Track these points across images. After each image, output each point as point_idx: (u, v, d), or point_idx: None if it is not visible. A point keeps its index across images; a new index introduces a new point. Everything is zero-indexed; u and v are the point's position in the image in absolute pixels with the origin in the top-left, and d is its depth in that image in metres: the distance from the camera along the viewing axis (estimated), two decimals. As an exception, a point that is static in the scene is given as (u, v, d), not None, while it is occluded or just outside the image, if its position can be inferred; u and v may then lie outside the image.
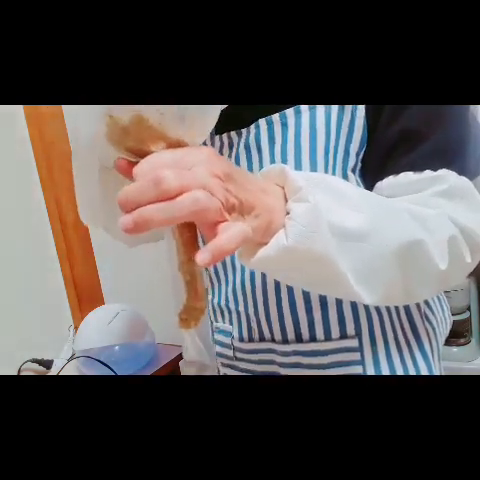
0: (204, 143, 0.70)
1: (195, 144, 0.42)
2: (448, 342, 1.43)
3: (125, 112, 0.38)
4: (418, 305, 0.65)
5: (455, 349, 1.44)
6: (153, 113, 0.38)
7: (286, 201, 0.44)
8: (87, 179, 0.50)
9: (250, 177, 0.44)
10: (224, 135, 0.66)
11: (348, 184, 0.50)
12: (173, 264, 0.41)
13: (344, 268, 0.45)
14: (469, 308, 1.46)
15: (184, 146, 0.40)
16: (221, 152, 0.67)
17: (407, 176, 0.55)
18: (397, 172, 0.56)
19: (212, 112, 0.42)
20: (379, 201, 0.52)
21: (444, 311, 0.70)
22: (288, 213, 0.43)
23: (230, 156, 0.65)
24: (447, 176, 0.54)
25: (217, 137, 0.67)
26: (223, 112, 0.47)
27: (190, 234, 0.41)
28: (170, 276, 0.42)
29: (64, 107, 1.32)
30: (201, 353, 0.43)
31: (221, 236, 0.37)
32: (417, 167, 0.55)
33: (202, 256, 0.36)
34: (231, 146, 0.65)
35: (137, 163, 0.38)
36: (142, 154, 0.39)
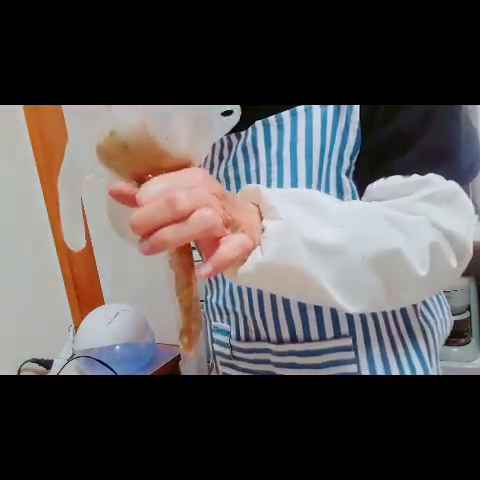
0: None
1: (197, 163, 0.43)
2: (448, 342, 1.43)
3: (129, 128, 0.38)
4: (414, 305, 0.65)
5: (455, 349, 1.44)
6: (160, 135, 0.38)
7: (261, 219, 0.46)
8: (73, 201, 0.49)
9: (235, 197, 0.46)
10: (224, 137, 0.67)
11: (326, 197, 0.51)
12: (171, 291, 0.43)
13: (322, 281, 0.47)
14: (469, 308, 1.46)
15: (185, 166, 0.41)
16: (221, 153, 0.68)
17: (396, 179, 0.56)
18: (388, 175, 0.57)
19: (215, 132, 0.43)
20: (357, 211, 0.52)
21: (444, 311, 0.70)
22: (263, 230, 0.45)
23: (229, 157, 0.66)
24: (435, 180, 0.55)
25: (218, 140, 0.68)
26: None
27: (187, 260, 0.42)
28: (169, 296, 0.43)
29: (64, 107, 1.32)
30: (199, 357, 0.44)
31: (222, 248, 0.39)
32: (407, 171, 0.56)
33: (205, 268, 0.39)
34: (230, 148, 0.66)
35: (127, 186, 0.39)
36: (137, 178, 0.40)
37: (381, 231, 0.51)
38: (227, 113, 0.43)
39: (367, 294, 0.51)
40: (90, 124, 0.41)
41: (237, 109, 0.43)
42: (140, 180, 0.40)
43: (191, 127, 0.41)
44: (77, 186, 0.48)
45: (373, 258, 0.49)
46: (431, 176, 0.55)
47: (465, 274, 0.65)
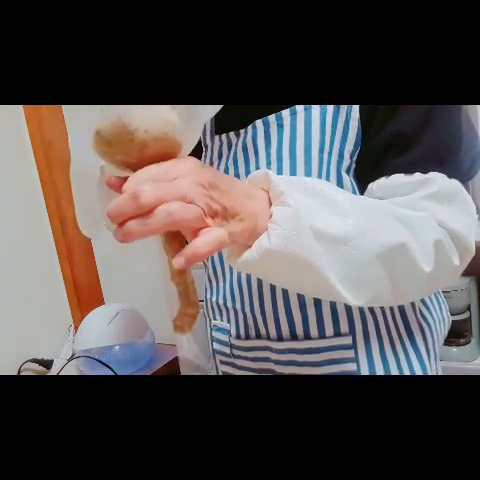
0: (205, 143, 0.71)
1: (185, 149, 0.43)
2: (448, 342, 1.43)
3: (109, 123, 0.39)
4: (413, 303, 0.65)
5: (455, 349, 1.44)
6: (139, 128, 0.39)
7: (271, 205, 0.46)
8: (85, 188, 0.51)
9: (235, 184, 0.45)
10: (223, 135, 0.67)
11: (334, 188, 0.51)
12: (165, 274, 0.43)
13: (327, 270, 0.46)
14: (469, 308, 1.46)
15: (172, 153, 0.42)
16: (221, 151, 0.68)
17: (398, 178, 0.56)
18: (389, 174, 0.57)
19: (196, 125, 0.44)
20: (365, 204, 0.52)
21: (442, 310, 0.70)
22: (271, 216, 0.45)
23: (229, 156, 0.66)
24: (437, 179, 0.55)
25: (217, 137, 0.68)
26: (224, 112, 0.48)
27: (179, 246, 0.42)
28: (163, 284, 0.43)
29: (64, 107, 1.32)
30: (197, 356, 0.44)
31: (196, 240, 0.39)
32: (408, 169, 0.56)
33: (177, 259, 0.39)
34: (230, 146, 0.66)
35: (115, 179, 0.41)
36: (131, 167, 0.41)
37: (389, 226, 0.50)
38: None
39: (371, 287, 0.50)
40: (86, 120, 0.42)
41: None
42: (134, 168, 0.41)
43: (174, 116, 0.41)
44: (88, 177, 0.49)
45: (380, 251, 0.49)
46: (433, 175, 0.55)
47: (465, 274, 0.65)
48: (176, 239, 0.42)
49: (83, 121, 0.44)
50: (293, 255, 0.44)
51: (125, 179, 0.40)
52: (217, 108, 0.45)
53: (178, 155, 0.42)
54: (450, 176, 0.55)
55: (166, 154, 0.41)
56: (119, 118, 0.39)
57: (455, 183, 0.56)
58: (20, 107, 1.26)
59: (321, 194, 0.48)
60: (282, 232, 0.43)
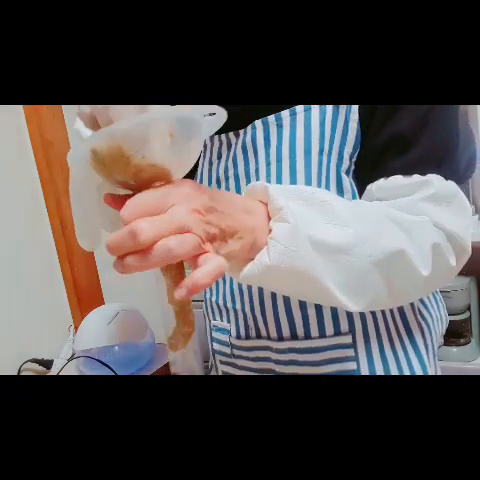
0: (204, 144, 0.71)
1: (180, 176, 0.43)
2: (448, 342, 1.43)
3: (105, 144, 0.39)
4: (412, 303, 0.65)
5: (455, 349, 1.44)
6: (135, 154, 0.39)
7: (269, 218, 0.46)
8: (85, 207, 0.51)
9: (233, 199, 0.45)
10: (223, 135, 0.67)
11: (333, 196, 0.51)
12: (161, 299, 0.43)
13: (327, 281, 0.47)
14: (469, 308, 1.46)
15: (166, 175, 0.41)
16: (220, 152, 0.68)
17: (396, 180, 0.57)
18: (387, 175, 0.57)
19: (195, 144, 0.43)
20: (364, 211, 0.53)
21: (440, 309, 0.71)
22: (270, 231, 0.45)
23: (228, 156, 0.66)
24: (435, 181, 0.55)
25: (216, 137, 0.68)
26: None
27: (177, 270, 0.43)
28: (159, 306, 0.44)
29: (64, 107, 1.32)
30: (191, 370, 0.44)
31: (197, 271, 0.39)
32: (406, 171, 0.56)
33: (179, 291, 0.39)
34: (229, 146, 0.66)
35: (124, 196, 0.41)
36: (126, 186, 0.41)
37: (388, 232, 0.51)
38: (211, 114, 0.43)
39: (370, 293, 0.51)
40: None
41: (220, 110, 0.43)
42: (128, 187, 0.41)
43: (171, 140, 0.41)
44: (87, 192, 0.49)
45: (379, 258, 0.49)
46: (431, 177, 0.55)
47: (465, 274, 0.65)
48: (174, 265, 0.42)
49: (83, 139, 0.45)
50: (293, 270, 0.45)
51: (121, 197, 0.41)
52: (212, 130, 0.45)
53: (174, 177, 0.42)
54: (448, 177, 0.56)
55: (162, 177, 0.41)
56: (115, 141, 0.38)
57: (452, 185, 0.56)
58: (20, 107, 1.26)
59: (319, 203, 0.48)
60: (281, 248, 0.44)
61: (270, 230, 0.45)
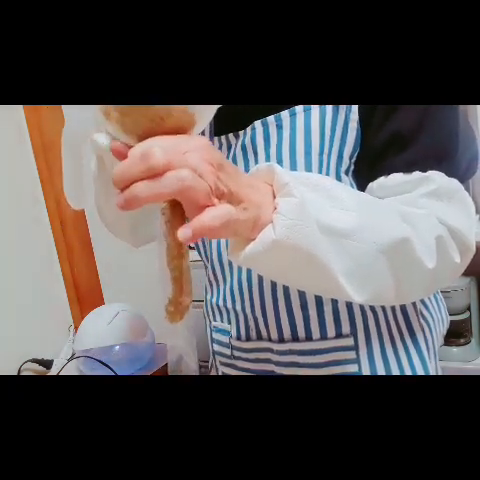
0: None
1: (199, 126, 0.43)
2: (448, 342, 1.43)
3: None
4: (414, 304, 0.65)
5: (455, 349, 1.44)
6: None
7: (274, 198, 0.45)
8: (76, 160, 0.50)
9: (241, 173, 0.45)
10: (222, 137, 0.67)
11: (337, 183, 0.51)
12: (161, 261, 0.42)
13: (331, 263, 0.46)
14: (469, 308, 1.46)
15: (187, 129, 0.41)
16: (220, 153, 0.68)
17: (397, 177, 0.56)
18: (388, 173, 0.57)
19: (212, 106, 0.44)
20: (368, 200, 0.52)
21: (441, 310, 0.71)
22: (276, 208, 0.44)
23: (228, 157, 0.66)
24: (436, 177, 0.55)
25: (216, 139, 0.68)
26: (222, 114, 0.48)
27: (179, 217, 0.42)
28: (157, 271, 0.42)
29: (64, 107, 1.32)
30: (186, 353, 0.43)
31: (204, 213, 0.38)
32: (407, 169, 0.56)
33: (183, 231, 0.38)
34: (229, 147, 0.66)
35: (124, 146, 0.40)
36: (140, 140, 0.40)
37: (393, 221, 0.50)
38: None
39: (374, 283, 0.50)
40: None
41: None
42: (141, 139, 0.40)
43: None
44: (79, 146, 0.48)
45: (384, 245, 0.48)
46: (432, 173, 0.55)
47: (465, 274, 0.64)
48: (179, 219, 0.42)
49: None
50: (298, 246, 0.43)
51: (131, 147, 0.39)
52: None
53: (190, 132, 0.42)
54: (448, 175, 0.56)
55: (182, 129, 0.40)
56: None
57: (454, 182, 0.56)
58: (20, 107, 1.26)
59: (324, 189, 0.47)
60: (287, 222, 0.43)
61: (275, 208, 0.44)
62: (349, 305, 0.62)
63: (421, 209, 0.53)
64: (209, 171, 0.39)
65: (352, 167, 0.61)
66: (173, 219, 0.42)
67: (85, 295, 1.37)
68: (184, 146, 0.39)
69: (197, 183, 0.37)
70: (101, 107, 0.41)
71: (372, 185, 0.58)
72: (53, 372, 1.20)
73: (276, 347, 0.64)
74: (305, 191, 0.45)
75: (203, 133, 0.71)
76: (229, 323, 0.69)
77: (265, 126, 0.62)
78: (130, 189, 0.37)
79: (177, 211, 0.42)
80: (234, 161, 0.65)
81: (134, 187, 0.37)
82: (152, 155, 0.36)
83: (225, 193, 0.40)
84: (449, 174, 0.56)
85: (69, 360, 1.18)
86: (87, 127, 0.42)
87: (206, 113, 0.43)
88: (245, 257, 0.44)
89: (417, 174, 0.55)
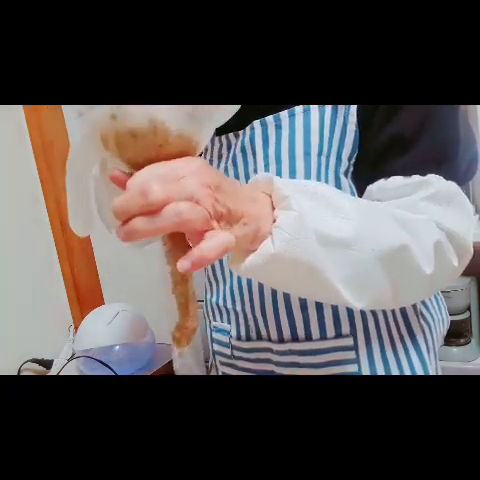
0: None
1: (197, 151, 0.43)
2: (448, 342, 1.43)
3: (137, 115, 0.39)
4: (414, 304, 0.65)
5: (455, 349, 1.44)
6: (164, 121, 0.40)
7: (273, 209, 0.46)
8: (82, 186, 0.50)
9: (239, 187, 0.45)
10: (223, 136, 0.67)
11: (336, 190, 0.51)
12: (167, 288, 0.43)
13: (330, 274, 0.46)
14: (469, 308, 1.46)
15: (186, 154, 0.41)
16: (220, 153, 0.68)
17: (396, 180, 0.56)
18: (387, 176, 0.57)
19: (210, 128, 0.44)
20: (366, 207, 0.52)
21: (441, 310, 0.71)
22: (275, 221, 0.44)
23: (228, 157, 0.66)
24: (435, 181, 0.55)
25: (217, 138, 0.68)
26: None
27: (181, 245, 0.42)
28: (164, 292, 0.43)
29: (64, 107, 1.32)
30: (191, 370, 0.44)
31: (203, 244, 0.38)
32: (406, 172, 0.56)
33: (182, 263, 0.38)
34: (229, 147, 0.66)
35: (131, 175, 0.40)
36: (138, 167, 0.41)
37: (391, 228, 0.51)
38: None
39: (373, 289, 0.50)
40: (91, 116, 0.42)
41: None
42: (142, 167, 0.41)
43: (195, 116, 0.41)
44: (84, 175, 0.49)
45: (382, 253, 0.49)
46: (431, 177, 0.55)
47: (465, 274, 0.64)
48: (180, 247, 0.42)
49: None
50: (297, 259, 0.44)
51: (130, 175, 0.40)
52: (233, 110, 0.45)
53: (191, 153, 0.42)
54: (447, 178, 0.56)
55: (182, 153, 0.41)
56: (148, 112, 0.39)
57: (453, 185, 0.56)
58: (20, 107, 1.26)
59: (323, 197, 0.48)
60: (286, 236, 0.43)
61: (274, 219, 0.44)
62: (349, 307, 0.62)
63: (420, 214, 0.54)
64: (206, 195, 0.39)
65: (351, 169, 0.61)
66: (174, 248, 0.42)
67: (85, 295, 1.37)
68: (180, 171, 0.39)
69: (195, 214, 0.38)
70: (102, 135, 0.41)
71: (371, 187, 0.58)
72: (53, 372, 1.20)
73: (276, 347, 0.64)
74: (304, 201, 0.45)
75: None
76: (229, 323, 0.70)
77: (264, 126, 0.62)
78: (130, 224, 0.37)
79: (178, 239, 0.42)
80: (234, 161, 0.65)
81: (134, 222, 0.37)
82: (150, 191, 0.37)
83: (224, 214, 0.41)
84: (449, 176, 0.56)
85: (69, 360, 1.18)
86: (91, 155, 0.42)
87: (203, 134, 0.44)
88: (245, 269, 0.45)
89: (417, 177, 0.55)
